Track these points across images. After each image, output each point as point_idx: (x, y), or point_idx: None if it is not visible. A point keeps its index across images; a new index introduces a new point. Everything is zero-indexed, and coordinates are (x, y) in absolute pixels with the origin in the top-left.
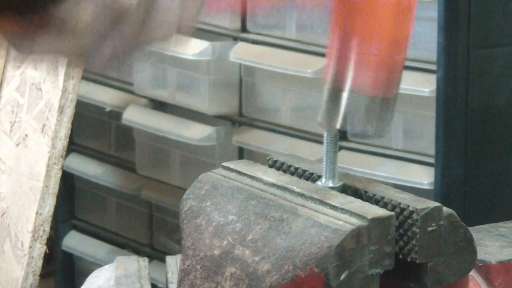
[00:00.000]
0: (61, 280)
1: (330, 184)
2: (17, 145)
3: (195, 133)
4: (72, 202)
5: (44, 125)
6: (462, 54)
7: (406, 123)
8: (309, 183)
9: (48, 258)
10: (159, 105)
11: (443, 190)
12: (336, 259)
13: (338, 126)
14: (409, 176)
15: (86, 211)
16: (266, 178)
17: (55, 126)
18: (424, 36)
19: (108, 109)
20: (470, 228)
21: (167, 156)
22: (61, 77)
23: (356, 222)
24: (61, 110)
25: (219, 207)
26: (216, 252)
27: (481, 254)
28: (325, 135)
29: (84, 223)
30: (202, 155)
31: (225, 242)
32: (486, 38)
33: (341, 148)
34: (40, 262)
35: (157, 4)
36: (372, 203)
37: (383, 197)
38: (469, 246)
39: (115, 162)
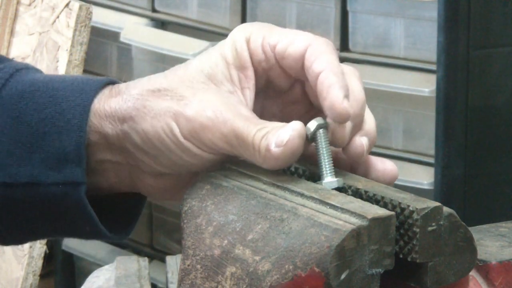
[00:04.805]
0: (61, 280)
1: (330, 179)
2: None
3: None
4: None
5: None
6: (462, 54)
7: (406, 123)
8: (309, 183)
9: (48, 258)
10: None
11: (443, 190)
12: (336, 259)
13: None
14: (409, 176)
15: None
16: (266, 178)
17: None
18: (424, 36)
19: None
20: (470, 228)
21: None
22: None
23: (356, 222)
24: None
25: (219, 206)
26: (216, 251)
27: (481, 254)
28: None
29: None
30: None
31: (226, 241)
32: (486, 38)
33: None
34: (40, 262)
35: None
36: (372, 203)
37: (383, 197)
38: (469, 246)
39: None
